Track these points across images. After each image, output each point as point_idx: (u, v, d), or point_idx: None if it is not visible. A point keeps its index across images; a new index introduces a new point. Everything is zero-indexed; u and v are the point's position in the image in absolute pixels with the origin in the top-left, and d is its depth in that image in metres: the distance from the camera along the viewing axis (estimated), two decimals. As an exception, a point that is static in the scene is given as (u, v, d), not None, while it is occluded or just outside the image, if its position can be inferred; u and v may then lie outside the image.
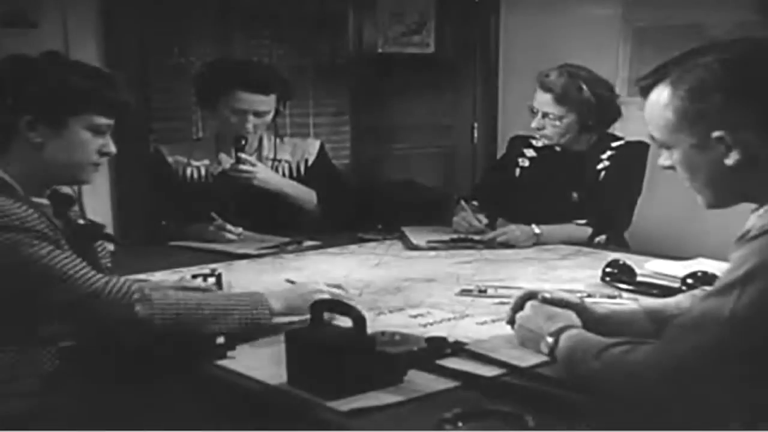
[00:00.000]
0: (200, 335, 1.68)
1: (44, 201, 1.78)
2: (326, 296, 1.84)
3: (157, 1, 3.57)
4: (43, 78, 1.74)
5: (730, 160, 1.35)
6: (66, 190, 1.91)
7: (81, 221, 1.88)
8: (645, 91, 1.46)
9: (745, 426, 1.25)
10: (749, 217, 1.36)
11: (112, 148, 1.84)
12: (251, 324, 1.74)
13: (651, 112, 1.45)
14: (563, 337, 1.52)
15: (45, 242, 1.66)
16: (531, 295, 1.72)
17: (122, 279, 1.70)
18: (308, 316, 1.58)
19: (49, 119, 1.74)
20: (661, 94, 1.41)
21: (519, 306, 1.73)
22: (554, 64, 2.98)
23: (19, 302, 1.64)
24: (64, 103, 1.75)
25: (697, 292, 1.80)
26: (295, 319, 1.78)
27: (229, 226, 2.80)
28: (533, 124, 2.96)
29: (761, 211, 1.33)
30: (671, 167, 1.46)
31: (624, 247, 2.96)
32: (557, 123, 2.91)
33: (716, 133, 1.35)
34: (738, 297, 1.24)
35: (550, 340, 1.55)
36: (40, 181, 1.78)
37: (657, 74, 1.44)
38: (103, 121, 1.79)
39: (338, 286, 1.99)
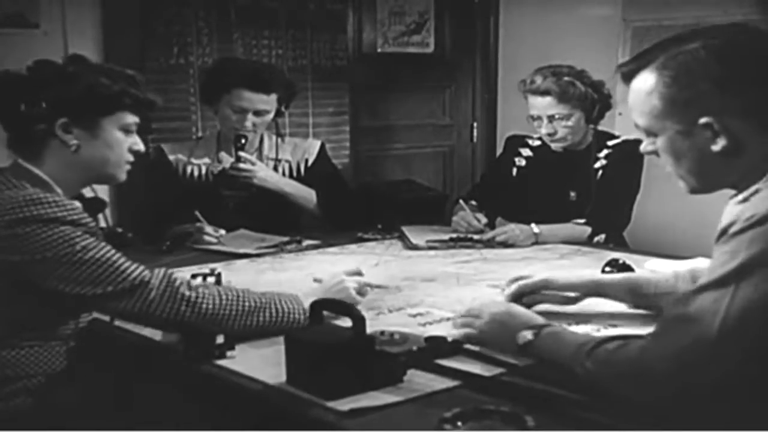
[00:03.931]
0: (230, 330, 1.71)
1: (76, 203, 1.80)
2: (353, 285, 1.94)
3: (157, 1, 3.57)
4: (75, 81, 1.78)
5: (717, 146, 1.36)
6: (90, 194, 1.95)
7: (103, 226, 1.90)
8: (627, 77, 1.46)
9: (746, 422, 1.25)
10: (728, 202, 1.36)
11: (141, 146, 1.90)
12: (283, 321, 1.76)
13: (635, 99, 1.45)
14: (544, 334, 1.51)
15: (93, 237, 1.70)
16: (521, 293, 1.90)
17: (164, 270, 1.73)
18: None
19: (84, 121, 1.79)
20: (646, 80, 1.41)
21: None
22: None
23: (62, 295, 1.66)
24: (97, 105, 1.80)
25: (682, 271, 1.87)
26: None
27: (208, 228, 2.79)
28: (544, 131, 2.94)
29: (740, 197, 1.33)
30: (654, 152, 1.47)
31: (623, 246, 2.96)
32: (568, 123, 2.90)
33: (703, 120, 1.35)
34: (734, 291, 1.23)
35: (529, 334, 1.53)
36: (75, 182, 1.83)
37: (640, 60, 1.43)
38: (132, 119, 1.85)
39: (358, 273, 2.05)
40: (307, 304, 1.78)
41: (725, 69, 1.34)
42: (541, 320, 1.59)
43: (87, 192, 1.91)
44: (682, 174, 1.45)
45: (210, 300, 1.69)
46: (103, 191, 3.31)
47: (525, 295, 1.91)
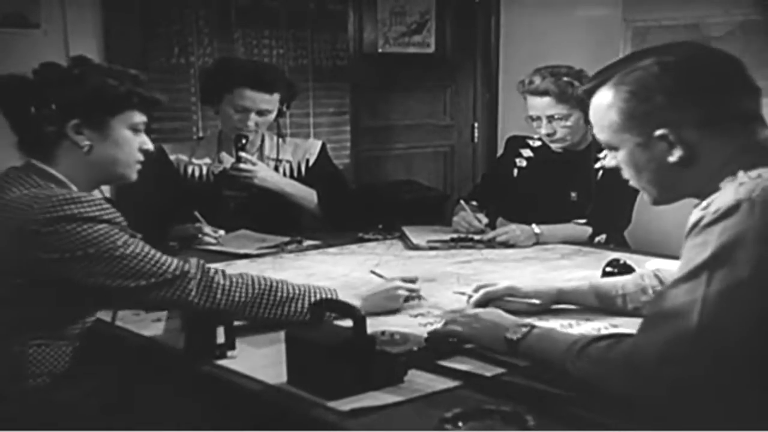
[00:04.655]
0: (262, 319, 1.79)
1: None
2: (404, 294, 2.00)
3: (158, 0, 3.57)
4: (83, 83, 1.79)
5: (674, 157, 1.40)
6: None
7: None
8: (588, 94, 1.51)
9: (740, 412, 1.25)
10: (692, 212, 1.37)
11: (150, 145, 1.92)
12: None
13: (596, 114, 1.50)
14: (534, 333, 1.51)
15: (127, 232, 1.73)
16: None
17: (197, 260, 1.79)
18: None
19: (94, 122, 1.81)
20: (605, 96, 1.47)
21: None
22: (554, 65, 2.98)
23: (104, 289, 1.69)
24: (107, 105, 1.82)
25: (646, 272, 1.94)
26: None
27: (207, 229, 2.79)
28: (543, 131, 2.95)
29: (704, 204, 1.35)
30: (617, 167, 1.51)
31: (624, 246, 2.96)
32: (567, 123, 2.90)
33: (659, 132, 1.40)
34: (709, 281, 1.26)
35: (518, 332, 1.52)
36: (87, 182, 1.84)
37: (599, 77, 1.49)
38: (140, 118, 1.87)
39: (413, 280, 2.08)
40: (353, 300, 1.82)
41: (678, 83, 1.40)
42: (528, 321, 1.59)
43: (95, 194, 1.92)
44: (644, 186, 1.51)
45: (243, 289, 1.77)
46: (103, 191, 3.30)
47: (490, 302, 1.92)
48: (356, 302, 1.81)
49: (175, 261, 1.75)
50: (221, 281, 1.76)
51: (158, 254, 1.74)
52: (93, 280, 1.68)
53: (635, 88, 1.42)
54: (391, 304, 1.97)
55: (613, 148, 1.50)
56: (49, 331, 1.75)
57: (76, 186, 1.80)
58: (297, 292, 1.83)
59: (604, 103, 1.47)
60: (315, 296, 1.83)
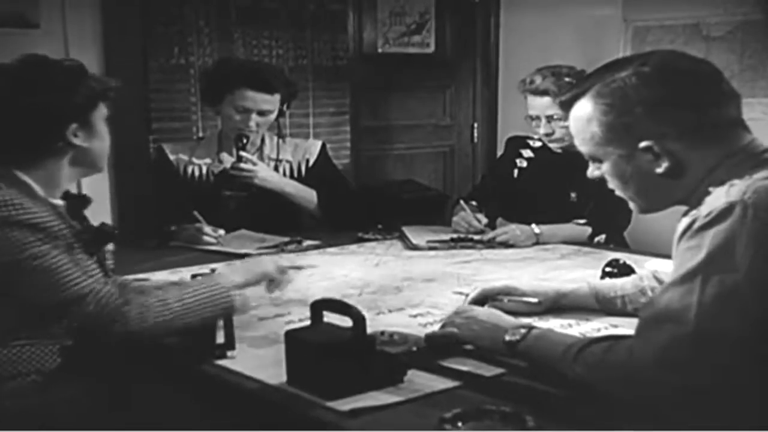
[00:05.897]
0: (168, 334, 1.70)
1: (60, 202, 1.81)
2: (272, 266, 1.92)
3: (158, 1, 3.57)
4: (77, 84, 1.79)
5: (661, 168, 1.40)
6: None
7: (94, 224, 1.89)
8: (566, 106, 1.50)
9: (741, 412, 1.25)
10: (681, 219, 1.38)
11: None
12: (217, 310, 1.70)
13: (576, 127, 1.49)
14: (532, 335, 1.51)
15: (52, 242, 1.67)
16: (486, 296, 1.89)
17: (111, 286, 1.69)
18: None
19: (86, 121, 1.81)
20: (584, 108, 1.45)
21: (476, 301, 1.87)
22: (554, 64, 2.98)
23: (19, 299, 1.67)
24: (93, 102, 1.82)
25: (645, 273, 1.94)
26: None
27: (207, 228, 2.78)
28: (542, 131, 2.95)
29: (694, 211, 1.35)
30: (601, 178, 1.50)
31: (623, 246, 2.96)
32: (565, 123, 2.89)
33: (643, 144, 1.39)
34: (703, 284, 1.26)
35: (516, 334, 1.52)
36: (66, 180, 1.83)
37: (578, 89, 1.48)
38: (106, 109, 1.87)
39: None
40: (236, 278, 1.77)
41: (657, 94, 1.39)
42: (527, 322, 1.59)
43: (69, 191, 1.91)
44: (631, 196, 1.50)
45: (144, 318, 1.64)
46: (104, 190, 3.30)
47: (487, 300, 1.92)
48: (237, 278, 1.78)
49: (79, 281, 1.64)
50: (123, 311, 1.62)
51: (65, 272, 1.64)
52: (11, 290, 1.66)
53: (613, 100, 1.41)
54: (255, 267, 1.89)
55: (597, 160, 1.49)
56: (29, 332, 1.73)
57: (51, 186, 1.78)
58: (185, 302, 1.67)
59: (584, 115, 1.45)
60: (204, 299, 1.69)
